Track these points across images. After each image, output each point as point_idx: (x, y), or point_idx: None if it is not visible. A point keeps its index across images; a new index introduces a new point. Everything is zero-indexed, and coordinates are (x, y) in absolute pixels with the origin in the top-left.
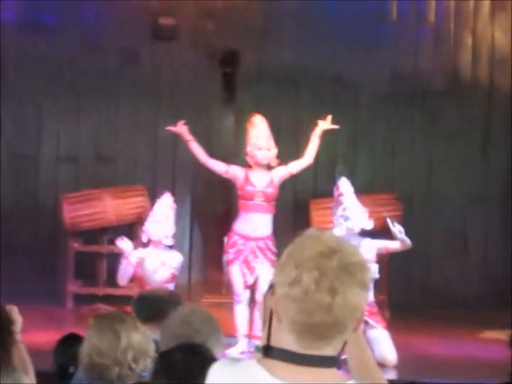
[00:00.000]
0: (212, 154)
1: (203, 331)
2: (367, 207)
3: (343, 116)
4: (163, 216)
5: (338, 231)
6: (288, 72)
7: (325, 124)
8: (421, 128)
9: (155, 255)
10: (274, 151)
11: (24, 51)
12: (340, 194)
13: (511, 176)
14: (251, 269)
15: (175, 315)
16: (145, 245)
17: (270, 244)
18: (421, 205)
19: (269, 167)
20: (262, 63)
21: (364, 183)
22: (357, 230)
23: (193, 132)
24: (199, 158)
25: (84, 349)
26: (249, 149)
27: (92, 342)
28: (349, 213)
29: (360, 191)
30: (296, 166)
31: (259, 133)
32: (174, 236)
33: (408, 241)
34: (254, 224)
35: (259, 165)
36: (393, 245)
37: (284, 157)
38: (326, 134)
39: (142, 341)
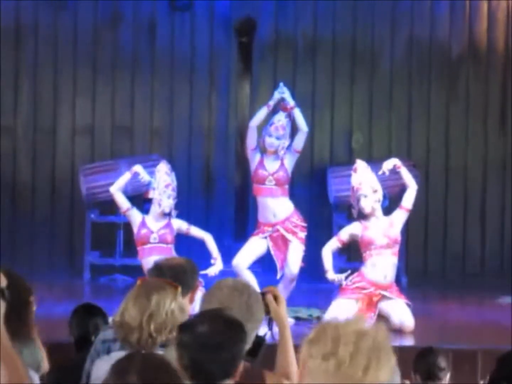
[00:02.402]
0: (228, 124)
1: (240, 319)
2: (384, 174)
3: (360, 86)
4: (163, 186)
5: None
6: (305, 42)
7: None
8: (438, 97)
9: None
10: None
11: (41, 25)
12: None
13: None
14: (282, 251)
15: (214, 295)
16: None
17: (297, 220)
18: (438, 173)
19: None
20: (279, 32)
21: (380, 152)
22: (368, 211)
23: (209, 103)
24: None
25: (121, 307)
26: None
27: (128, 301)
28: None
29: (377, 159)
30: (298, 143)
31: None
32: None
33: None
34: (272, 209)
35: (266, 150)
36: (409, 202)
37: None
38: (343, 103)
39: (175, 313)
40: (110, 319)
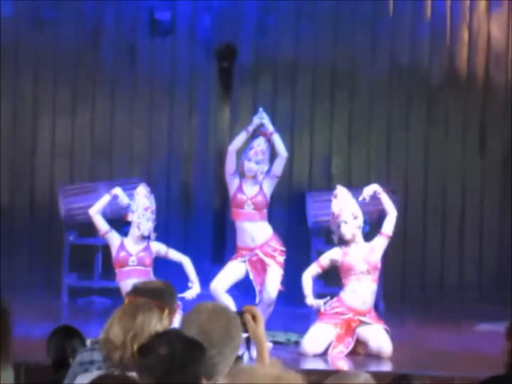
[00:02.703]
0: (208, 148)
1: (219, 345)
2: (363, 200)
3: (340, 110)
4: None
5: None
6: (285, 67)
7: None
8: (417, 123)
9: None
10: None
11: (21, 45)
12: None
13: (509, 170)
14: (260, 276)
15: (193, 318)
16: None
17: (276, 244)
18: (416, 198)
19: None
20: (259, 57)
21: (360, 176)
22: (349, 237)
23: (189, 126)
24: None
25: (106, 324)
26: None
27: (114, 319)
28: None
29: (356, 184)
30: (277, 168)
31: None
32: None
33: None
34: (250, 234)
35: (244, 174)
36: (388, 229)
37: None
38: (322, 127)
39: None
40: (88, 341)
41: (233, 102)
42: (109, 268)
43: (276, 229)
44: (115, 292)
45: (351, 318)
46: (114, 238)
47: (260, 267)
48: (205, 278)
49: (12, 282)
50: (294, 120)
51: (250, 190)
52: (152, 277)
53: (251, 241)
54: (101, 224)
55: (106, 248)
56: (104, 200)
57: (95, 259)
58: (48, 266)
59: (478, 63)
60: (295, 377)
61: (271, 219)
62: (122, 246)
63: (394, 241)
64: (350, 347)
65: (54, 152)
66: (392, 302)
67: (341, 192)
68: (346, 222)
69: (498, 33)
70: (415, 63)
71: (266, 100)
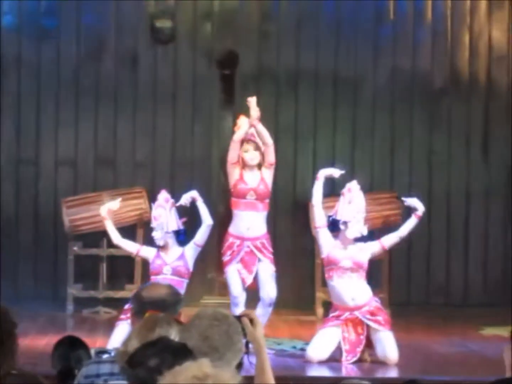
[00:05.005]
0: (211, 155)
1: (220, 349)
2: (367, 206)
3: (343, 116)
4: (156, 220)
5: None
6: (287, 73)
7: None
8: (420, 126)
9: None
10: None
11: (24, 55)
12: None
13: (511, 172)
14: (249, 269)
15: (194, 325)
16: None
17: (266, 243)
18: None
19: (259, 166)
20: (261, 64)
21: (363, 182)
22: (351, 237)
23: (192, 134)
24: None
25: (126, 337)
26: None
27: (133, 332)
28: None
29: (360, 188)
30: (269, 157)
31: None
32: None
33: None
34: (248, 223)
35: (249, 166)
36: (388, 242)
37: (284, 157)
38: (325, 133)
39: None
40: (92, 351)
41: (235, 109)
42: (114, 278)
43: (280, 236)
44: (120, 302)
45: (348, 317)
46: (148, 252)
47: (249, 259)
48: (209, 287)
49: (17, 292)
50: (297, 126)
51: (251, 180)
52: (184, 289)
53: (246, 229)
54: (130, 247)
55: (111, 259)
56: (110, 228)
57: (100, 270)
58: (53, 276)
59: (480, 66)
60: (229, 377)
61: (274, 225)
62: (158, 255)
63: (398, 246)
64: (361, 346)
65: (57, 162)
66: (398, 307)
67: (355, 187)
68: (354, 219)
69: (499, 36)
70: (417, 67)
71: (268, 107)
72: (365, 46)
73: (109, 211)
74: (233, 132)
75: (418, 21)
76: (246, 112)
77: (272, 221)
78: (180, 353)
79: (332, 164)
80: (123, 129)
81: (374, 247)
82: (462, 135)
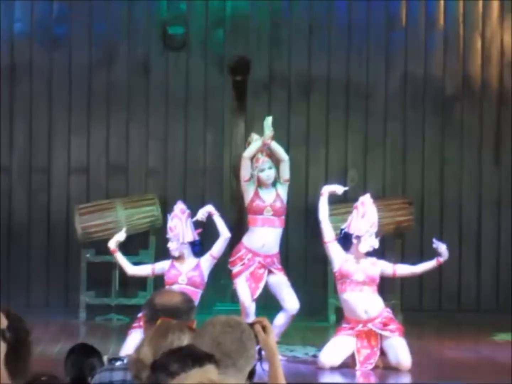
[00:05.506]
0: (223, 162)
1: (233, 355)
2: (379, 212)
3: (355, 123)
4: (172, 231)
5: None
6: (299, 79)
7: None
8: (432, 133)
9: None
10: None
11: (36, 63)
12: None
13: None
14: (257, 283)
15: (207, 331)
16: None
17: (276, 261)
18: (433, 210)
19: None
20: (273, 70)
21: (376, 189)
22: (364, 251)
23: (204, 141)
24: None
25: (138, 344)
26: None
27: (145, 339)
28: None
29: (372, 196)
30: (284, 173)
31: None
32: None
33: (443, 258)
34: (264, 239)
35: (265, 184)
36: (401, 271)
37: (296, 164)
38: (337, 140)
39: None
40: (104, 358)
41: (248, 116)
42: (126, 285)
43: (292, 243)
44: (133, 310)
45: (361, 329)
46: (162, 265)
47: (258, 274)
48: (222, 292)
49: (30, 300)
50: (309, 132)
51: (267, 197)
52: (198, 299)
53: (261, 246)
54: (145, 270)
55: None
56: (123, 261)
57: (112, 277)
58: (66, 284)
59: (492, 72)
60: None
61: (287, 233)
62: (172, 265)
63: (411, 252)
64: (376, 357)
65: (69, 169)
66: (410, 314)
67: (368, 201)
68: (370, 235)
69: (511, 41)
70: (429, 73)
71: (280, 113)
72: (377, 52)
73: (117, 243)
74: (245, 139)
75: (430, 27)
76: (257, 119)
77: (284, 228)
78: (202, 360)
79: (344, 171)
80: (135, 136)
81: (386, 268)
82: (474, 142)
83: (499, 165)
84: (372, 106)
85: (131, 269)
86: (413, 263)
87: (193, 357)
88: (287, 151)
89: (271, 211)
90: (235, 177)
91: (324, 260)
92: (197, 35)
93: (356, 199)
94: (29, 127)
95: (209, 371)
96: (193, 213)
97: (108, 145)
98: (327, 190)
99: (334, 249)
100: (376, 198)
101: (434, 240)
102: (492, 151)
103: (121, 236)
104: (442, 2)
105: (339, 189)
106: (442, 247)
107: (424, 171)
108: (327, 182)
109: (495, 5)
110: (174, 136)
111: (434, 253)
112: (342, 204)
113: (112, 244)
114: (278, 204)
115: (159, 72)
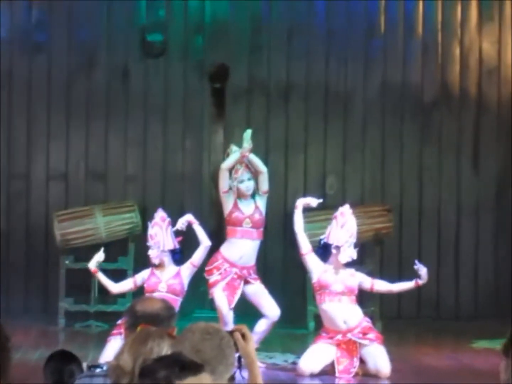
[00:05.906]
0: (202, 168)
1: (212, 362)
2: (358, 219)
3: (334, 129)
4: (153, 238)
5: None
6: (278, 85)
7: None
8: (411, 140)
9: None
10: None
11: (15, 69)
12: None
13: (503, 186)
14: (233, 293)
15: (186, 338)
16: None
17: (253, 272)
18: (412, 217)
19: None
20: (252, 76)
21: (355, 195)
22: (344, 261)
23: (183, 147)
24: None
25: (118, 350)
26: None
27: (125, 346)
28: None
29: (351, 203)
30: (263, 185)
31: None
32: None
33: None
34: (242, 251)
35: (244, 195)
36: (379, 287)
37: (275, 170)
38: (316, 146)
39: None
40: (84, 365)
41: (227, 122)
42: (105, 292)
43: (270, 249)
44: (112, 316)
45: (341, 339)
46: (142, 275)
47: (234, 284)
48: (201, 300)
49: (9, 306)
50: (288, 139)
51: (246, 208)
52: (178, 307)
53: (239, 258)
54: (127, 285)
55: (103, 272)
56: (105, 280)
57: (91, 284)
58: (45, 290)
59: (471, 79)
60: None
61: (265, 240)
62: (152, 273)
63: (389, 259)
64: (355, 367)
65: (48, 175)
66: (389, 321)
67: (347, 211)
68: (351, 245)
69: (490, 48)
70: (408, 80)
71: (259, 120)
72: (356, 59)
73: (97, 263)
74: (224, 145)
75: (408, 34)
76: (236, 125)
77: (263, 234)
78: (190, 367)
79: (323, 178)
80: (114, 143)
81: (364, 282)
82: (453, 149)
83: (477, 171)
84: (351, 113)
85: (114, 288)
86: (392, 270)
87: (180, 365)
88: (266, 157)
89: (250, 223)
90: (214, 184)
91: (302, 267)
92: (176, 42)
93: (335, 206)
94: (8, 133)
95: (204, 379)
96: (172, 219)
97: (87, 151)
98: (301, 203)
99: (311, 261)
100: (355, 205)
101: (416, 261)
102: (471, 158)
103: (100, 256)
104: (421, 10)
105: (313, 201)
106: (423, 270)
107: (402, 177)
108: (306, 188)
109: (473, 13)
110: (153, 143)
111: (413, 260)
112: (322, 211)
113: (92, 265)
114: (257, 216)
115: (139, 78)
